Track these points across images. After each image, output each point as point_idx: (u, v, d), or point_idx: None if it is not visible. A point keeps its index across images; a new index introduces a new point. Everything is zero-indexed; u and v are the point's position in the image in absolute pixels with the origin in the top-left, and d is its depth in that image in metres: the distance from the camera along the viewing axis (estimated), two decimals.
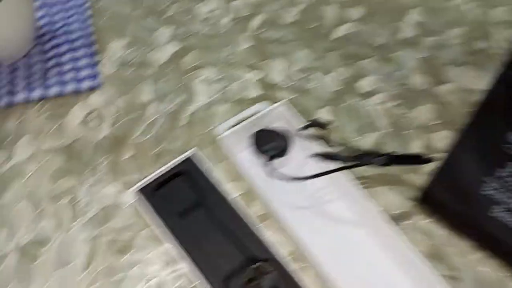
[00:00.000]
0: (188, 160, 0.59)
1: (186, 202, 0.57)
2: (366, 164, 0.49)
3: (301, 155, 0.60)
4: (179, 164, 0.59)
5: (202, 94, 0.67)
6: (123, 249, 0.56)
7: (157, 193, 0.57)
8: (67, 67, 0.67)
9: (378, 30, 0.72)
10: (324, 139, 0.58)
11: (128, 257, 0.55)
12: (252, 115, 0.61)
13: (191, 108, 0.66)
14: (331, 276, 0.50)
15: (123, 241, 0.56)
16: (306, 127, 0.58)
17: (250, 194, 0.58)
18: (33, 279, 0.54)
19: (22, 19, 0.63)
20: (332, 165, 0.54)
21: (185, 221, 0.56)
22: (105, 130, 0.64)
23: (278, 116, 0.62)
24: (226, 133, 0.59)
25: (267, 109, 0.61)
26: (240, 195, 0.58)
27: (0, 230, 0.57)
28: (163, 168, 0.58)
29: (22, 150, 0.62)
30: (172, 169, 0.58)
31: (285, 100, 0.63)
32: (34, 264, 0.55)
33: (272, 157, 0.59)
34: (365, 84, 0.67)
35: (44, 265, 0.55)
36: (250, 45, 0.71)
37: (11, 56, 0.67)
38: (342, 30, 0.72)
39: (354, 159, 0.50)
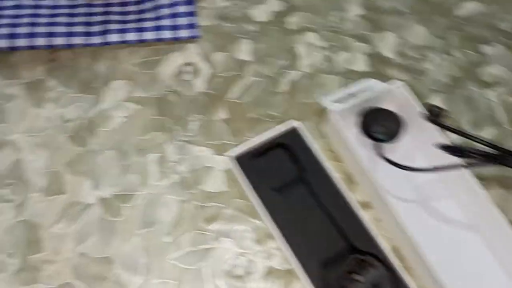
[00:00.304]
0: (290, 132, 0.54)
1: (285, 176, 0.53)
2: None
3: (415, 143, 0.55)
4: (280, 135, 0.54)
5: (306, 60, 0.61)
6: (212, 218, 0.52)
7: (254, 163, 0.53)
8: (165, 11, 0.62)
9: (505, 14, 0.65)
10: (445, 128, 0.52)
11: (216, 227, 0.52)
12: (361, 91, 0.56)
13: (293, 74, 0.60)
14: (440, 279, 0.46)
15: (212, 209, 0.52)
16: (426, 113, 0.53)
17: (351, 177, 0.54)
18: (115, 235, 0.51)
19: None
20: (456, 160, 0.49)
21: (282, 197, 0.51)
22: (199, 86, 0.59)
23: (392, 96, 0.56)
24: (332, 107, 0.54)
25: (380, 87, 0.55)
26: (340, 176, 0.53)
27: (84, 178, 0.54)
28: (262, 136, 0.53)
29: (111, 96, 0.58)
30: (273, 139, 0.54)
31: (400, 80, 0.57)
32: (117, 219, 0.52)
33: (381, 140, 0.54)
34: (487, 72, 0.60)
35: (127, 222, 0.52)
36: (361, 13, 0.65)
37: None
38: (467, 8, 0.65)
39: (492, 157, 0.44)
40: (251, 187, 0.51)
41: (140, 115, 0.58)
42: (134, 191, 0.53)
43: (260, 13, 0.65)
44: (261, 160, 0.53)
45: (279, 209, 0.51)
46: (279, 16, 0.64)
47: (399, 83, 0.55)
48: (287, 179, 0.52)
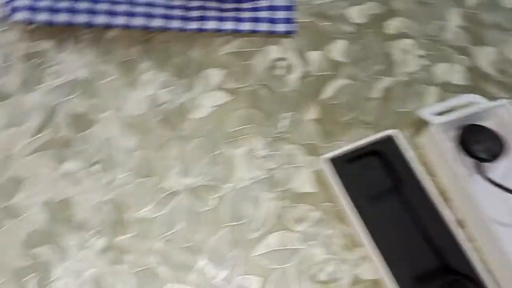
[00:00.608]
0: (386, 140, 0.53)
1: (379, 184, 0.51)
2: None
3: None
4: (376, 142, 0.53)
5: (402, 67, 0.59)
6: (300, 219, 0.51)
7: (348, 167, 0.52)
8: (263, 3, 0.61)
9: None
10: None
11: (303, 228, 0.51)
12: (463, 106, 0.54)
13: (388, 80, 0.59)
14: None
15: (300, 210, 0.51)
16: None
17: (444, 192, 0.52)
18: (202, 225, 0.50)
19: None
20: None
21: (375, 205, 0.50)
22: (292, 83, 0.58)
23: (495, 115, 0.54)
24: (433, 120, 0.52)
25: (483, 104, 0.54)
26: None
27: (173, 164, 0.53)
28: (357, 141, 0.52)
29: (203, 84, 0.58)
30: (368, 145, 0.52)
31: (505, 99, 0.54)
32: (204, 209, 0.51)
33: (482, 159, 0.52)
34: None
35: (215, 213, 0.51)
36: (462, 24, 0.62)
37: None
38: None
39: None
40: (344, 191, 0.50)
41: (231, 106, 0.57)
42: (223, 182, 0.52)
43: (358, 14, 0.63)
44: (356, 165, 0.52)
45: (372, 217, 0.49)
46: (377, 19, 0.63)
47: (504, 101, 0.53)
48: (381, 187, 0.51)
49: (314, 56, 0.60)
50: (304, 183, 0.53)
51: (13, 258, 0.48)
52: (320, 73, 0.59)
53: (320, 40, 0.61)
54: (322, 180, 0.53)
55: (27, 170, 0.51)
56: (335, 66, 0.60)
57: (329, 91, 0.58)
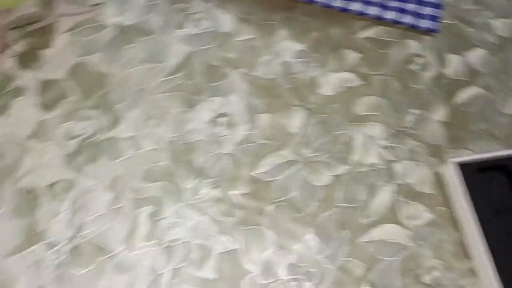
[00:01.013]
0: None
1: (505, 200, 0.49)
2: None
3: None
4: (506, 158, 0.51)
5: None
6: (414, 216, 0.50)
7: (475, 176, 0.50)
8: None
9: None
10: None
11: (416, 227, 0.49)
12: None
13: None
14: None
15: (415, 208, 0.50)
16: None
17: None
18: (313, 202, 0.50)
19: None
20: None
21: (498, 220, 0.48)
22: (425, 81, 0.57)
23: None
24: None
25: None
26: None
27: (296, 133, 0.53)
28: (487, 153, 0.50)
29: (337, 63, 0.57)
30: (499, 159, 0.51)
31: None
32: (318, 184, 0.51)
33: None
34: None
35: (328, 191, 0.51)
36: None
37: None
38: None
39: None
40: (467, 199, 0.49)
41: (361, 90, 0.56)
42: (341, 162, 0.52)
43: (503, 27, 0.61)
44: (483, 176, 0.50)
45: (492, 232, 0.48)
46: None
47: None
48: (506, 203, 0.49)
49: (452, 59, 0.59)
50: (422, 182, 0.52)
51: (131, 187, 0.48)
52: (455, 77, 0.58)
53: (461, 45, 0.60)
54: (441, 183, 0.52)
55: (156, 107, 0.52)
56: (472, 73, 0.58)
57: (462, 96, 0.56)
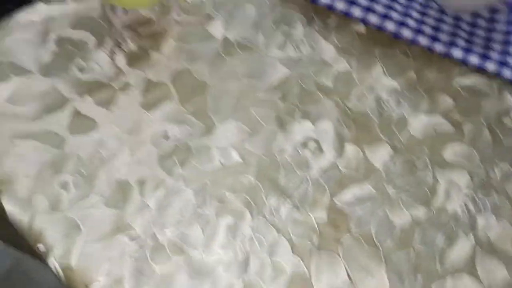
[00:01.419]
0: None
1: None
2: None
3: None
4: None
5: None
6: (489, 271, 0.49)
7: None
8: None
9: None
10: None
11: (489, 285, 0.48)
12: None
13: None
14: None
15: (491, 264, 0.49)
16: None
17: None
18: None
19: None
20: None
21: None
22: None
23: None
24: None
25: None
26: None
27: (378, 168, 0.53)
28: None
29: (429, 105, 0.57)
30: None
31: None
32: (394, 221, 0.51)
33: None
34: None
35: (405, 234, 0.50)
36: None
37: (473, 7, 0.60)
38: None
39: None
40: None
41: (451, 136, 0.56)
42: (423, 205, 0.52)
43: None
44: None
45: None
46: None
47: None
48: None
49: None
50: (504, 238, 0.51)
51: (216, 196, 0.50)
52: None
53: None
54: None
55: (250, 122, 0.54)
56: None
57: None
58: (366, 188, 0.52)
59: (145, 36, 0.57)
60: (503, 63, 0.59)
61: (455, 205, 0.52)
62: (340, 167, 0.53)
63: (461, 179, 0.53)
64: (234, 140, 0.53)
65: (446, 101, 0.58)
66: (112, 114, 0.52)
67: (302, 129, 0.54)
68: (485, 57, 0.59)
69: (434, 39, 0.60)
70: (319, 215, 0.50)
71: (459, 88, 0.59)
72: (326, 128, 0.55)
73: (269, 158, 0.52)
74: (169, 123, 0.53)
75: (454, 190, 0.53)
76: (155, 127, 0.52)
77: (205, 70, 0.56)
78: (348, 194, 0.52)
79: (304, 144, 0.54)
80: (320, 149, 0.54)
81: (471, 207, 0.52)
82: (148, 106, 0.53)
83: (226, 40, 0.58)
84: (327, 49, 0.59)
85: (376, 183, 0.52)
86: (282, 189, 0.51)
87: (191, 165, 0.50)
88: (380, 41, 0.61)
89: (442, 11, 0.62)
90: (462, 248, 0.50)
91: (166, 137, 0.52)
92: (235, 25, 0.59)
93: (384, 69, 0.59)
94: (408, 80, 0.59)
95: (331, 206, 0.51)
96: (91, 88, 0.53)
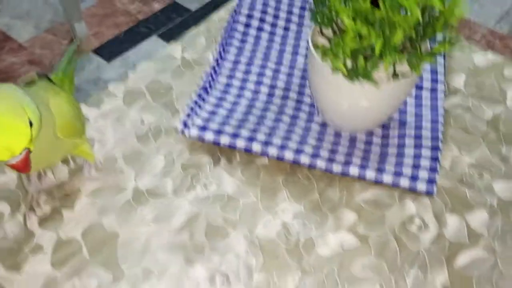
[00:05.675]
0: None
1: None
2: None
3: None
4: None
5: None
6: None
7: None
8: (408, 161, 0.63)
9: None
10: None
11: None
12: None
13: None
14: None
15: None
16: None
17: None
18: None
19: (400, 101, 0.62)
20: None
21: None
22: (424, 243, 0.58)
23: None
24: None
25: None
26: None
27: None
28: None
29: (335, 223, 0.59)
30: None
31: None
32: None
33: None
34: None
35: None
36: None
37: (365, 127, 0.65)
38: None
39: None
40: None
41: (358, 252, 0.57)
42: None
43: (503, 190, 0.62)
44: None
45: None
46: None
47: None
48: None
49: (451, 221, 0.60)
50: None
51: None
52: (454, 240, 0.58)
53: (459, 207, 0.61)
54: None
55: (157, 264, 0.56)
56: (472, 236, 0.58)
57: (462, 259, 0.56)
58: None
59: (59, 197, 0.61)
60: (399, 174, 0.63)
61: None
62: None
63: None
64: (142, 285, 0.54)
65: (350, 217, 0.60)
66: (21, 277, 0.54)
67: (209, 264, 0.56)
68: (380, 170, 0.63)
69: (331, 161, 0.64)
70: None
71: (361, 203, 0.62)
72: (234, 261, 0.56)
73: None
74: (79, 279, 0.54)
75: None
76: (66, 283, 0.54)
77: (115, 221, 0.59)
78: None
79: (212, 279, 0.55)
80: (229, 282, 0.55)
81: None
82: (58, 264, 0.55)
83: (136, 189, 0.62)
84: (233, 184, 0.63)
85: None
86: None
87: None
88: (284, 169, 0.65)
89: (338, 133, 0.67)
90: None
91: None
92: (145, 175, 0.63)
93: (288, 195, 0.62)
94: (312, 202, 0.62)
95: None
96: (1, 254, 0.56)
